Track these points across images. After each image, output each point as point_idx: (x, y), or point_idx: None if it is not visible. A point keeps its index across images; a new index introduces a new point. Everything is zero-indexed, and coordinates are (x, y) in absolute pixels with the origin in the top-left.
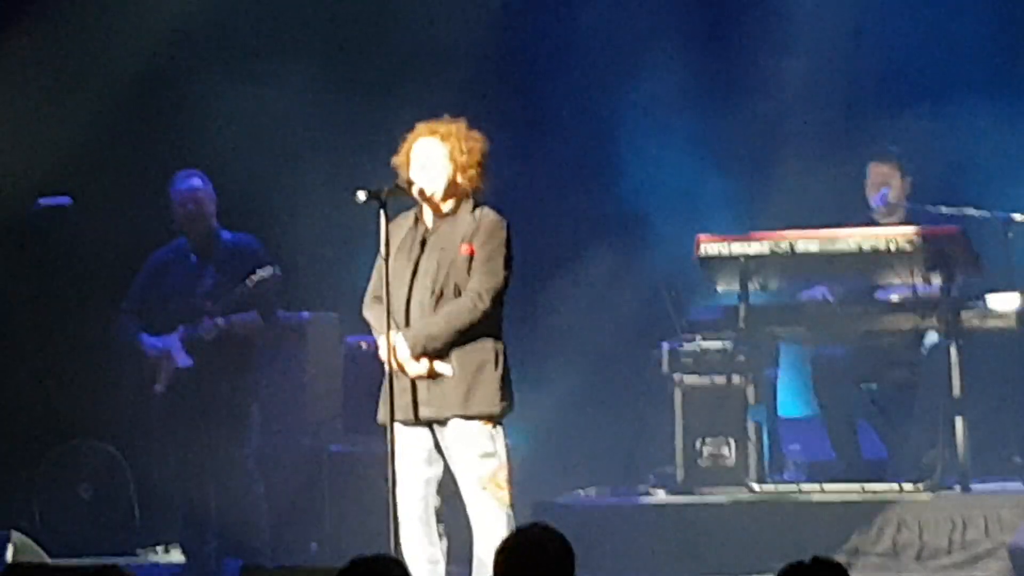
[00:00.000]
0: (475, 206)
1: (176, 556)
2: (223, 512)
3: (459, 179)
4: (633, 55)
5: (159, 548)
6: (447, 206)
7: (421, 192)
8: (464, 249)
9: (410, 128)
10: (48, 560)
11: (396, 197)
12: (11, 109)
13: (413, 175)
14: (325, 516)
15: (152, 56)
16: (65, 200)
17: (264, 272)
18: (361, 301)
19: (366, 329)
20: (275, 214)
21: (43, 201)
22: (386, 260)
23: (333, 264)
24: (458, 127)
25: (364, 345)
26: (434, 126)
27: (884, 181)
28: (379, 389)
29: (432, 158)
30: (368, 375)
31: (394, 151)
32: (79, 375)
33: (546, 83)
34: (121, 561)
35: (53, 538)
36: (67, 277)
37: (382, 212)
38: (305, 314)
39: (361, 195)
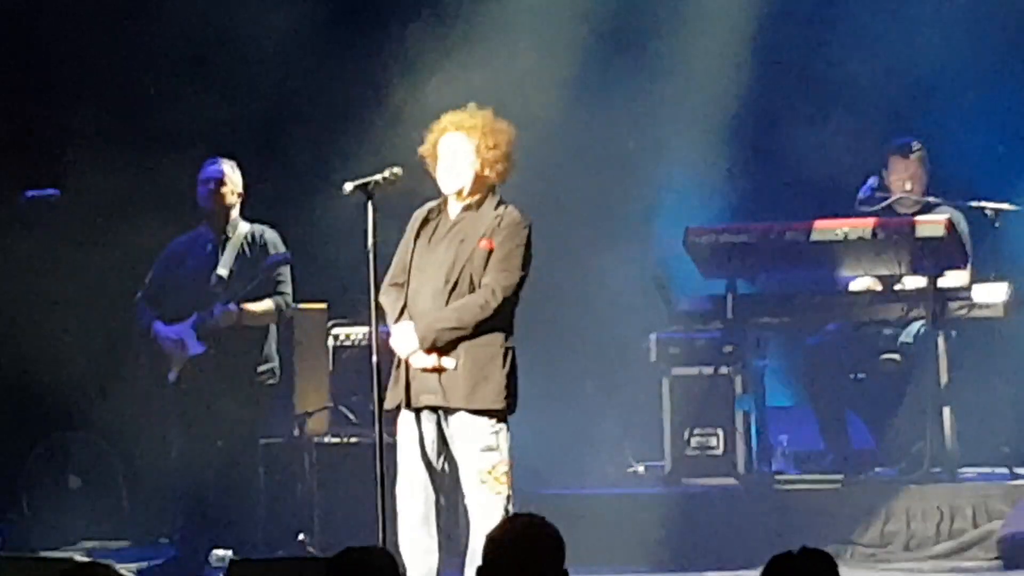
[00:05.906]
0: (500, 202)
1: (164, 547)
2: (219, 502)
3: (486, 172)
4: (635, 47)
5: (147, 539)
6: (473, 200)
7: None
8: (483, 244)
9: (435, 118)
10: None
11: (383, 189)
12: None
13: (440, 173)
14: (313, 507)
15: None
16: (53, 192)
17: (276, 258)
18: (347, 292)
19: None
20: (260, 204)
21: (30, 193)
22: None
23: (320, 255)
24: (484, 119)
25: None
26: (460, 119)
27: (909, 175)
28: (368, 379)
29: (459, 155)
30: (355, 366)
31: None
32: (68, 366)
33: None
34: (109, 550)
35: (42, 529)
36: (55, 269)
37: (369, 204)
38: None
39: (348, 186)
